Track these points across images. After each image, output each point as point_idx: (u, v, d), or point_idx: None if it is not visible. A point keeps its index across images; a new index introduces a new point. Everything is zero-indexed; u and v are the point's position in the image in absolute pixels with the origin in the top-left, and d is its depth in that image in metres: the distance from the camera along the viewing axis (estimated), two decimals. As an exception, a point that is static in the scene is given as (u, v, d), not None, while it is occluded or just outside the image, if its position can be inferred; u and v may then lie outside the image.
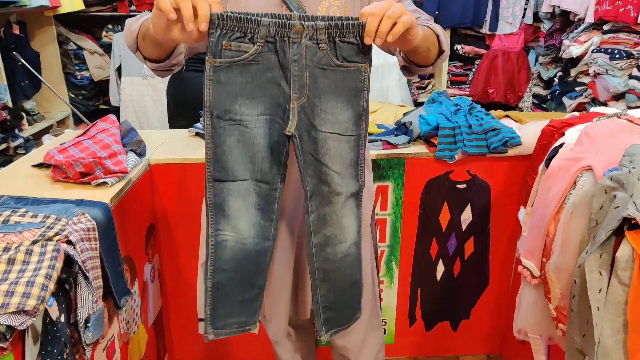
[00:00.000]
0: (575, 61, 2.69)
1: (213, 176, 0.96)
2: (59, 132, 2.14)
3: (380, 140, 1.58)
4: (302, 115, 0.94)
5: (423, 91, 3.65)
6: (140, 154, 1.43)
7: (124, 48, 3.32)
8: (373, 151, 1.54)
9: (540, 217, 1.17)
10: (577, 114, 1.41)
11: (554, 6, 2.92)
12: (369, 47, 0.91)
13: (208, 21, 0.84)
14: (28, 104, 3.07)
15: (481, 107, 1.70)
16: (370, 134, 1.60)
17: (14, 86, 2.86)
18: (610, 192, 0.94)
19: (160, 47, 0.96)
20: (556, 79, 2.93)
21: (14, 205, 1.02)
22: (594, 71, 2.44)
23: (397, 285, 1.73)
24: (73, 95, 3.51)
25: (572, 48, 2.60)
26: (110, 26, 3.54)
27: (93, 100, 3.65)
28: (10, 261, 0.83)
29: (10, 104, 2.72)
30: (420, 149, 1.58)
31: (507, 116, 1.76)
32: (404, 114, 1.77)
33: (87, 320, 0.94)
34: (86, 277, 0.92)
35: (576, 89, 2.67)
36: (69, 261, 0.90)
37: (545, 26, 3.15)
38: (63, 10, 3.09)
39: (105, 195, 1.17)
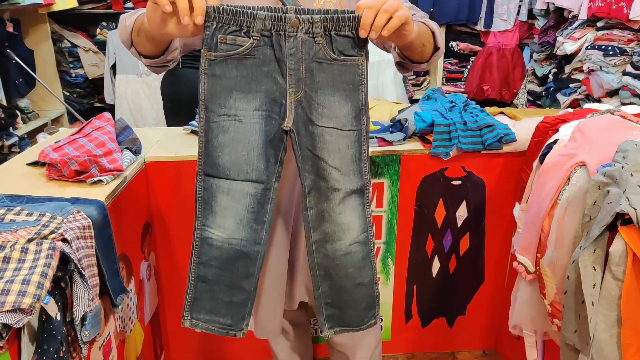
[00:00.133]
0: (569, 58, 2.70)
1: (204, 170, 0.95)
2: (54, 131, 2.13)
3: (376, 137, 1.59)
4: (298, 109, 0.93)
5: (418, 88, 3.66)
6: (136, 152, 1.43)
7: (118, 45, 3.30)
8: (369, 148, 1.54)
9: (534, 213, 1.18)
10: (570, 110, 1.42)
11: (548, 3, 2.94)
12: (365, 41, 0.91)
13: (204, 14, 0.84)
14: (22, 102, 3.05)
15: (476, 103, 1.71)
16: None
17: (8, 84, 2.84)
18: (604, 187, 0.95)
19: (155, 43, 0.96)
20: (551, 76, 2.94)
21: (9, 203, 1.02)
22: (588, 68, 2.46)
23: (393, 282, 1.74)
24: (67, 93, 3.50)
25: (566, 45, 2.62)
26: (104, 23, 3.52)
27: (88, 98, 3.63)
28: (6, 259, 0.83)
29: (4, 102, 2.71)
30: (415, 145, 1.58)
31: (501, 113, 1.77)
32: (399, 111, 1.78)
33: (83, 319, 0.94)
34: (82, 275, 0.92)
35: (570, 85, 2.69)
36: (64, 259, 0.89)
37: (540, 23, 3.16)
38: (57, 7, 3.07)
39: (100, 193, 1.16)
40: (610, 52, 2.33)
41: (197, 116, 1.73)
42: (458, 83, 3.67)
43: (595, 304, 0.89)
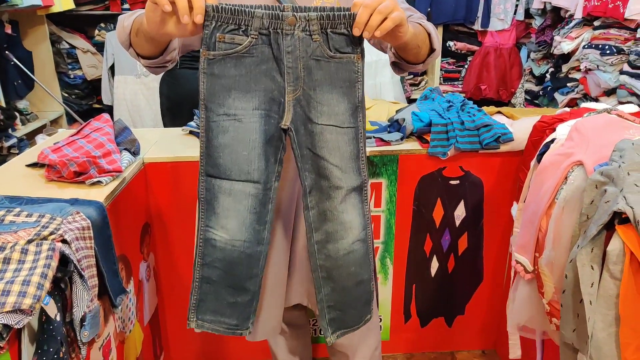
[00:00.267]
0: (566, 57, 2.71)
1: (205, 171, 0.96)
2: (53, 132, 2.13)
3: (374, 137, 1.59)
4: (297, 108, 0.93)
5: (416, 88, 3.66)
6: (134, 153, 1.43)
7: (116, 47, 3.31)
8: (366, 148, 1.55)
9: (532, 213, 1.18)
10: (568, 109, 1.43)
11: (544, 2, 2.95)
12: (361, 38, 0.91)
13: (204, 13, 0.84)
14: (21, 104, 3.05)
15: (474, 103, 1.71)
16: (364, 131, 1.61)
17: (6, 86, 2.84)
18: (601, 186, 0.95)
19: (154, 43, 0.96)
20: (548, 75, 2.95)
21: (9, 204, 1.02)
22: (585, 67, 2.46)
23: (391, 282, 1.74)
24: (66, 95, 3.50)
25: (563, 44, 2.62)
26: (102, 25, 3.52)
27: (86, 100, 3.63)
28: (6, 260, 0.83)
29: (3, 104, 2.70)
30: (413, 145, 1.59)
31: (499, 112, 1.78)
32: (397, 111, 1.78)
33: (83, 319, 0.94)
34: (82, 276, 0.93)
35: (568, 84, 2.69)
36: (64, 260, 0.90)
37: (537, 22, 3.17)
38: (55, 9, 3.07)
39: (99, 194, 1.17)
40: (608, 51, 2.34)
41: (195, 117, 1.73)
42: (455, 83, 3.68)
43: (593, 302, 0.89)
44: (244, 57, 0.90)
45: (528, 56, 3.37)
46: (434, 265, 1.73)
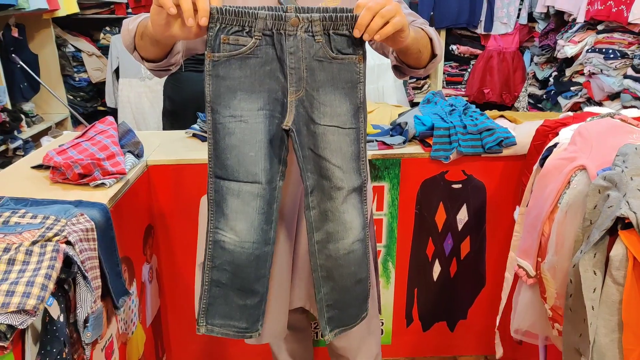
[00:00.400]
0: (570, 61, 2.71)
1: (214, 172, 0.96)
2: (58, 134, 2.14)
3: (376, 140, 1.59)
4: (300, 108, 0.94)
5: (419, 91, 3.67)
6: (138, 155, 1.44)
7: (121, 50, 3.33)
8: (369, 151, 1.55)
9: (534, 217, 1.18)
10: (571, 113, 1.43)
11: (548, 6, 2.95)
12: (362, 40, 0.91)
13: (208, 15, 0.85)
14: (27, 106, 3.08)
15: (477, 107, 1.71)
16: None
17: (12, 88, 2.87)
18: (604, 191, 0.95)
19: (159, 46, 0.97)
20: (551, 79, 2.95)
21: (14, 206, 1.03)
22: (589, 71, 2.46)
23: (393, 286, 1.74)
24: (71, 97, 3.52)
25: (566, 48, 2.62)
26: (108, 28, 3.55)
27: (91, 102, 3.66)
28: (11, 261, 0.84)
29: (9, 106, 2.72)
30: (415, 149, 1.59)
31: (502, 116, 1.78)
32: (400, 115, 1.78)
33: (86, 320, 0.95)
34: (85, 277, 0.93)
35: (571, 88, 2.69)
36: (68, 261, 0.90)
37: (540, 26, 3.17)
38: (61, 13, 3.10)
39: (103, 196, 1.17)
40: (611, 55, 2.34)
41: (199, 120, 1.74)
42: (458, 86, 3.68)
43: (596, 308, 0.89)
44: (248, 58, 0.90)
45: (531, 60, 3.37)
46: (436, 269, 1.73)
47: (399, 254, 1.70)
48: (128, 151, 1.40)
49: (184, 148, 1.60)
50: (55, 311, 0.85)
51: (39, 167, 1.33)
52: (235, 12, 0.87)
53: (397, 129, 1.66)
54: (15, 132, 2.75)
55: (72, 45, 3.46)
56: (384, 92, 3.07)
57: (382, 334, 1.81)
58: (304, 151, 0.96)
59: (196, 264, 1.60)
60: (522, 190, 1.41)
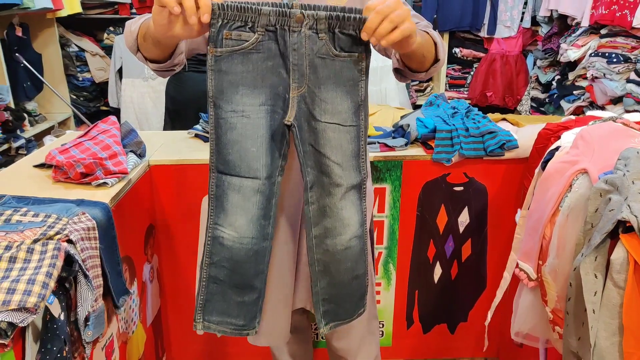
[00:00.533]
0: (573, 65, 2.71)
1: (216, 167, 0.96)
2: (61, 133, 2.15)
3: (378, 142, 1.59)
4: (301, 104, 0.94)
5: (422, 94, 3.67)
6: (140, 155, 1.44)
7: (125, 50, 3.34)
8: (371, 153, 1.55)
9: (536, 220, 1.18)
10: (573, 117, 1.42)
11: (551, 10, 2.94)
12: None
13: (210, 12, 0.85)
14: (30, 105, 3.09)
15: (479, 110, 1.72)
16: (368, 136, 1.61)
17: (16, 87, 2.88)
18: (605, 195, 0.95)
19: (162, 46, 0.97)
20: (554, 83, 2.94)
21: (16, 204, 1.03)
22: (592, 75, 2.46)
23: (394, 288, 1.74)
24: (74, 97, 3.53)
25: (569, 52, 2.62)
26: (111, 28, 3.56)
27: (94, 102, 3.67)
28: (12, 259, 0.84)
29: (12, 105, 2.74)
30: (417, 151, 1.59)
31: (504, 119, 1.78)
32: (402, 117, 1.78)
33: (86, 319, 0.95)
34: (86, 276, 0.93)
35: (574, 92, 2.69)
36: (69, 260, 0.91)
37: (543, 30, 3.17)
38: (65, 12, 3.11)
39: (105, 195, 1.18)
40: (614, 60, 2.34)
41: (201, 120, 1.75)
42: (461, 89, 3.68)
43: (597, 311, 0.89)
44: (250, 54, 0.90)
45: (534, 63, 3.37)
46: (437, 271, 1.73)
47: (400, 256, 1.70)
48: (130, 151, 1.41)
49: (186, 148, 1.60)
50: (56, 309, 0.85)
51: (41, 166, 1.34)
52: (238, 8, 0.87)
53: (400, 131, 1.66)
54: (18, 131, 2.76)
55: (76, 45, 3.47)
56: (386, 94, 3.07)
57: (382, 335, 1.81)
58: (304, 147, 0.96)
59: (197, 263, 1.60)
60: (523, 193, 1.41)
